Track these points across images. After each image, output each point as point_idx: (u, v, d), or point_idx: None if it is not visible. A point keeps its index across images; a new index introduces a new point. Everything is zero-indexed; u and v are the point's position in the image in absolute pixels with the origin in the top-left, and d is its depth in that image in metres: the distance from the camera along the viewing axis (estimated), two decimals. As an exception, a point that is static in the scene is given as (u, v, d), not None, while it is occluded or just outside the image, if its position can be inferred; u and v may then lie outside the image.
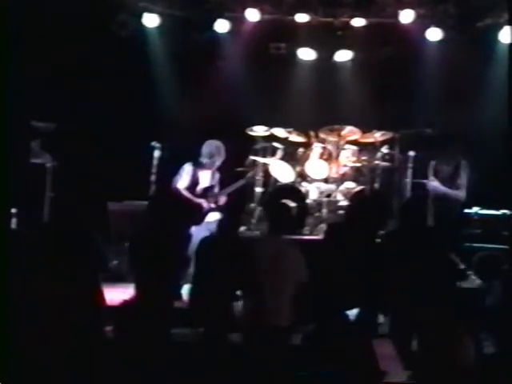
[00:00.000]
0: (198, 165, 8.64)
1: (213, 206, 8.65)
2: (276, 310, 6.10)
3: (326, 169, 9.96)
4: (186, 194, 8.58)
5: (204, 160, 8.61)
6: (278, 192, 9.80)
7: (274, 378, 5.07)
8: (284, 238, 6.64)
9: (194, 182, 8.64)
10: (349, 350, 4.33)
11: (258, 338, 5.98)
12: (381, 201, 9.34)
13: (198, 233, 8.16)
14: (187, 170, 8.62)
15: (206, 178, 8.69)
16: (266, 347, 5.80)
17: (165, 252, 6.49)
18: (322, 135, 10.21)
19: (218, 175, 8.78)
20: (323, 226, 9.22)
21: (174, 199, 8.46)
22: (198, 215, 8.53)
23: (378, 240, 7.32)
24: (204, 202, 8.60)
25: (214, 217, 8.49)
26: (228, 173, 9.12)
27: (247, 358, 5.61)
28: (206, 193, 8.66)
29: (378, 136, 9.99)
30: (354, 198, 9.61)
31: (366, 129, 10.12)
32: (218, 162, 8.67)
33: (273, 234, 6.57)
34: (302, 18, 10.56)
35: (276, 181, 10.05)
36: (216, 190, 8.75)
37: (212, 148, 8.63)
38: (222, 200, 8.72)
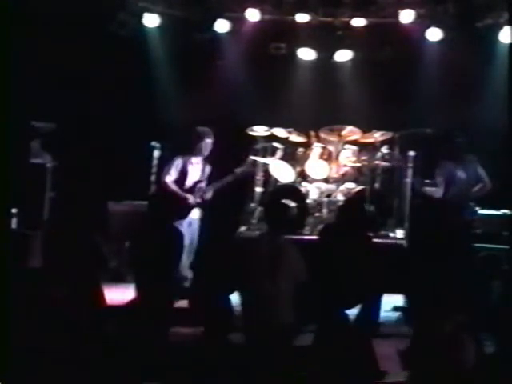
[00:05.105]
0: (187, 157, 8.60)
1: (198, 200, 8.60)
2: (275, 310, 6.08)
3: (326, 169, 9.96)
4: (174, 187, 8.52)
5: (192, 147, 8.55)
6: (278, 192, 9.79)
7: (275, 377, 5.06)
8: (284, 237, 6.60)
9: (183, 175, 8.58)
10: (349, 350, 4.34)
11: (257, 338, 5.96)
12: (376, 200, 9.35)
13: (180, 227, 8.03)
14: (176, 163, 8.57)
15: (195, 172, 8.63)
16: (265, 347, 5.79)
17: (164, 251, 6.50)
18: (322, 135, 10.20)
19: (208, 168, 8.72)
20: (323, 226, 9.20)
21: (168, 196, 8.36)
22: (183, 210, 8.46)
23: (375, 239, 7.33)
24: (191, 197, 8.56)
25: (196, 213, 8.47)
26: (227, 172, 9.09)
27: (247, 357, 5.60)
28: (194, 187, 8.62)
29: (377, 136, 9.98)
30: (350, 197, 9.60)
31: (366, 129, 10.11)
32: (206, 148, 8.56)
33: (272, 233, 6.53)
34: (302, 17, 10.55)
35: (276, 181, 10.05)
36: (203, 184, 8.69)
37: (199, 133, 8.60)
38: (208, 195, 8.66)
